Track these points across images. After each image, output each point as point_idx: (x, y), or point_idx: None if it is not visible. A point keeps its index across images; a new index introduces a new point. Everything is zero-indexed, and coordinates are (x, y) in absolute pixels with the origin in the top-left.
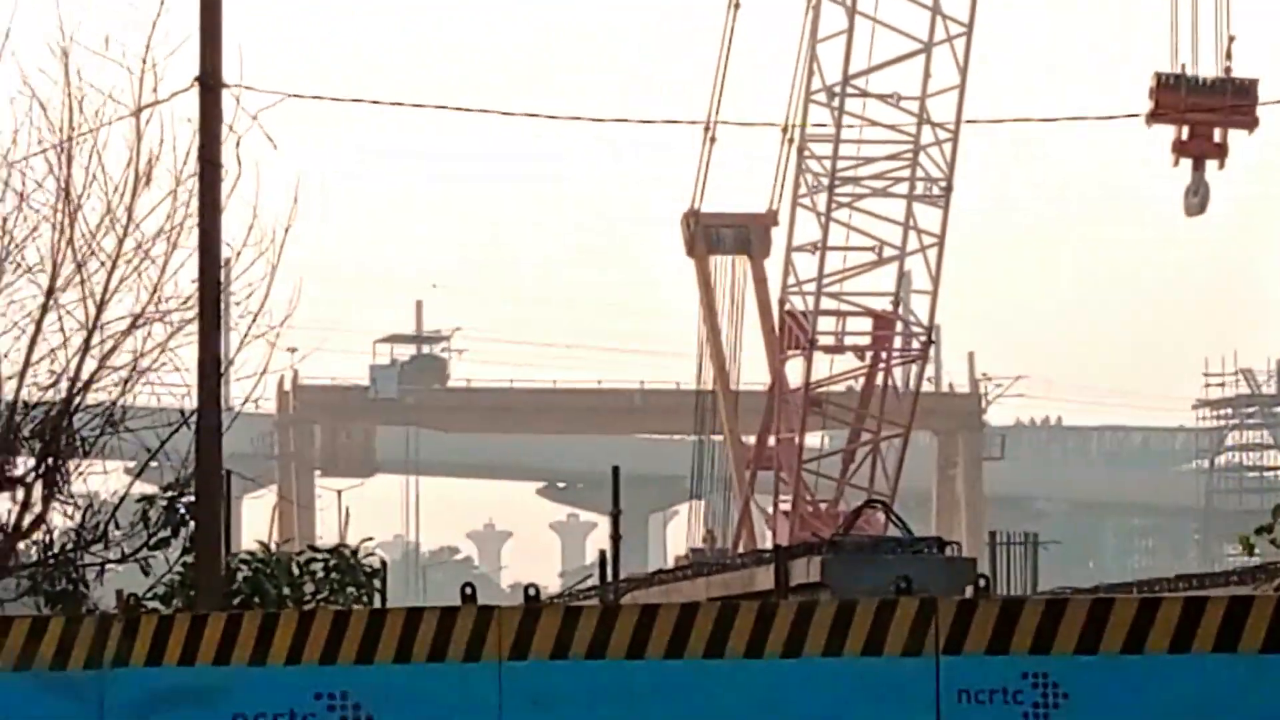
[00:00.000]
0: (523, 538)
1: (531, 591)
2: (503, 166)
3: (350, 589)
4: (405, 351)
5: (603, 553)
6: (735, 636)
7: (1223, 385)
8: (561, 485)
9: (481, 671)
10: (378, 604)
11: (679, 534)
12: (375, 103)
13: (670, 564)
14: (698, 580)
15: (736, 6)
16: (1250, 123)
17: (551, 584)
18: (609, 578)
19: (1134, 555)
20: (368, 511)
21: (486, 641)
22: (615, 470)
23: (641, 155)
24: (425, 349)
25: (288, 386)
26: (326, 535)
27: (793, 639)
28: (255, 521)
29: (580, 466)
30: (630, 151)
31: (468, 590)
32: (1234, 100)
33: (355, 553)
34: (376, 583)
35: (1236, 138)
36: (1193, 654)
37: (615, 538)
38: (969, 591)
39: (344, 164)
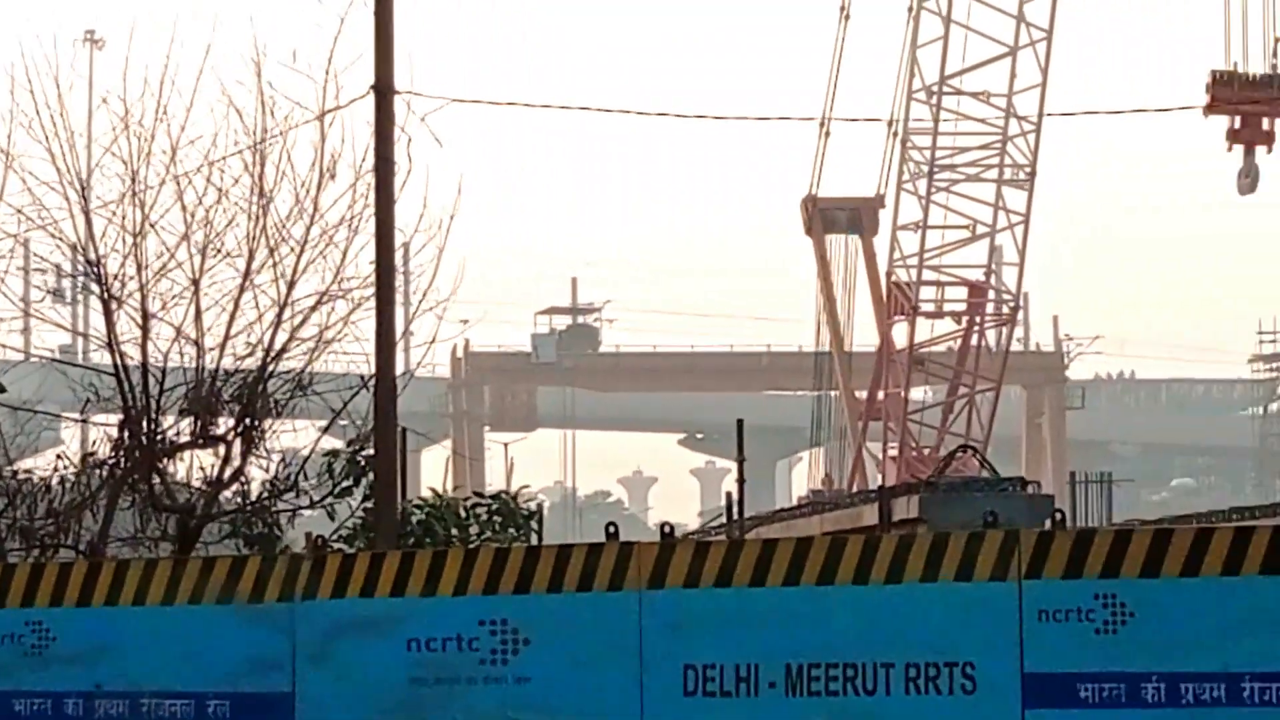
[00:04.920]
0: (667, 483)
1: (667, 529)
2: (643, 156)
3: (510, 530)
4: (562, 321)
5: (729, 495)
6: (844, 566)
7: (1275, 341)
8: (700, 436)
9: (623, 599)
10: (535, 542)
11: (801, 478)
12: (526, 105)
13: (794, 505)
14: (813, 517)
15: (847, 18)
16: None
17: (692, 523)
18: (736, 516)
19: (1200, 493)
20: (531, 462)
21: (628, 573)
22: (740, 423)
23: (765, 146)
24: (580, 319)
25: (460, 354)
26: (495, 483)
27: (894, 567)
28: (433, 472)
29: (716, 419)
30: (754, 143)
31: (611, 529)
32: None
33: (515, 498)
34: (534, 524)
35: None
36: (1242, 576)
37: (740, 481)
38: (1048, 524)
39: (509, 156)
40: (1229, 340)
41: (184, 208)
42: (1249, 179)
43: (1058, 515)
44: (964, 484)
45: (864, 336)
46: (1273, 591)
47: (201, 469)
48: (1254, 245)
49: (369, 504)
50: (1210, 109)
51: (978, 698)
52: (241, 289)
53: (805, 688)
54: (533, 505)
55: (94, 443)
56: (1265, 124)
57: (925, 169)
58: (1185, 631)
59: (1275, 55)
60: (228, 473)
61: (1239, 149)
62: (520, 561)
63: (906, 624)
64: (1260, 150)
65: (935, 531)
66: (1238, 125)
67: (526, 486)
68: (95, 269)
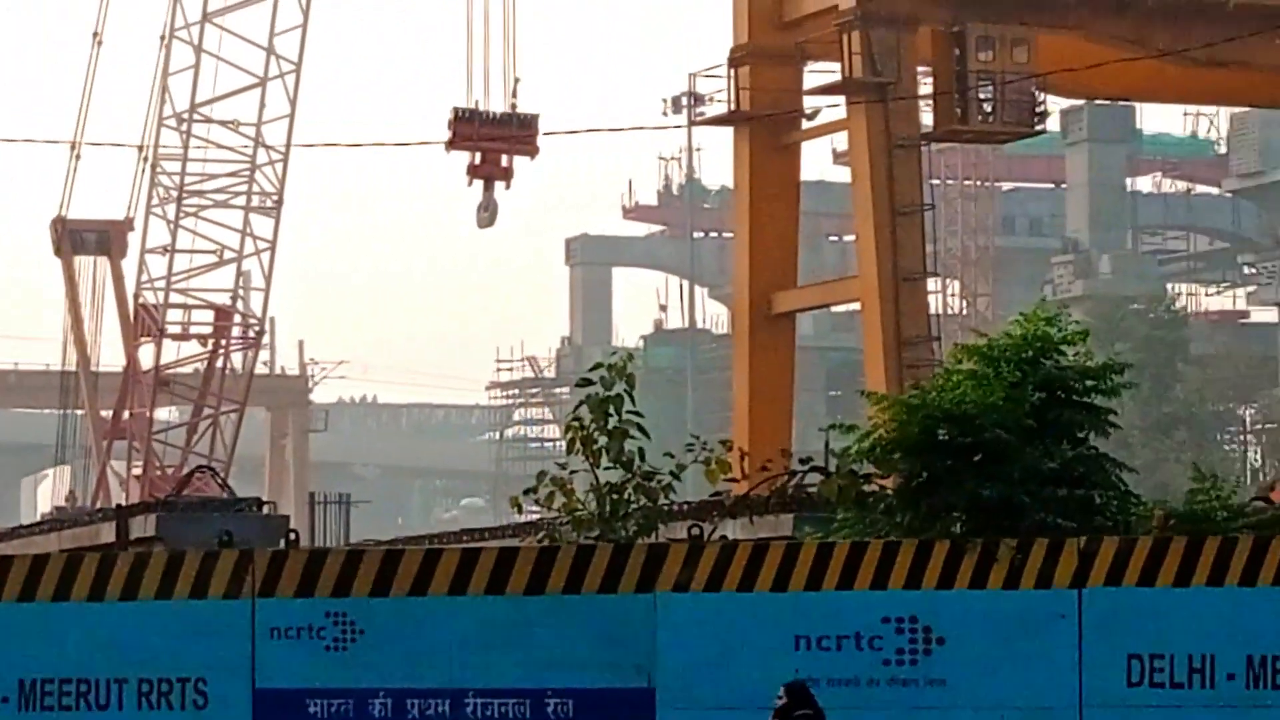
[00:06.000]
0: None
1: None
2: None
3: None
4: None
5: None
6: (79, 583)
7: (511, 370)
8: None
9: None
10: None
11: (47, 495)
12: None
13: (36, 521)
14: (52, 534)
15: (100, 43)
16: (532, 150)
17: None
18: None
19: (436, 512)
20: None
21: None
22: None
23: (17, 167)
24: None
25: None
26: None
27: (130, 584)
28: None
29: None
30: (5, 163)
31: None
32: (518, 131)
33: None
34: None
35: (521, 163)
36: (468, 595)
37: None
38: (282, 544)
39: None
40: (469, 367)
41: None
42: (488, 213)
43: (292, 535)
44: (201, 504)
45: (112, 356)
46: (500, 610)
47: None
48: (493, 277)
49: None
50: (452, 145)
51: (209, 713)
52: None
53: (39, 703)
54: None
55: None
56: (504, 160)
57: (175, 194)
58: (413, 649)
59: (515, 95)
60: None
61: (479, 184)
62: None
63: (140, 641)
64: (499, 186)
65: (171, 550)
66: (478, 161)
67: None
68: None
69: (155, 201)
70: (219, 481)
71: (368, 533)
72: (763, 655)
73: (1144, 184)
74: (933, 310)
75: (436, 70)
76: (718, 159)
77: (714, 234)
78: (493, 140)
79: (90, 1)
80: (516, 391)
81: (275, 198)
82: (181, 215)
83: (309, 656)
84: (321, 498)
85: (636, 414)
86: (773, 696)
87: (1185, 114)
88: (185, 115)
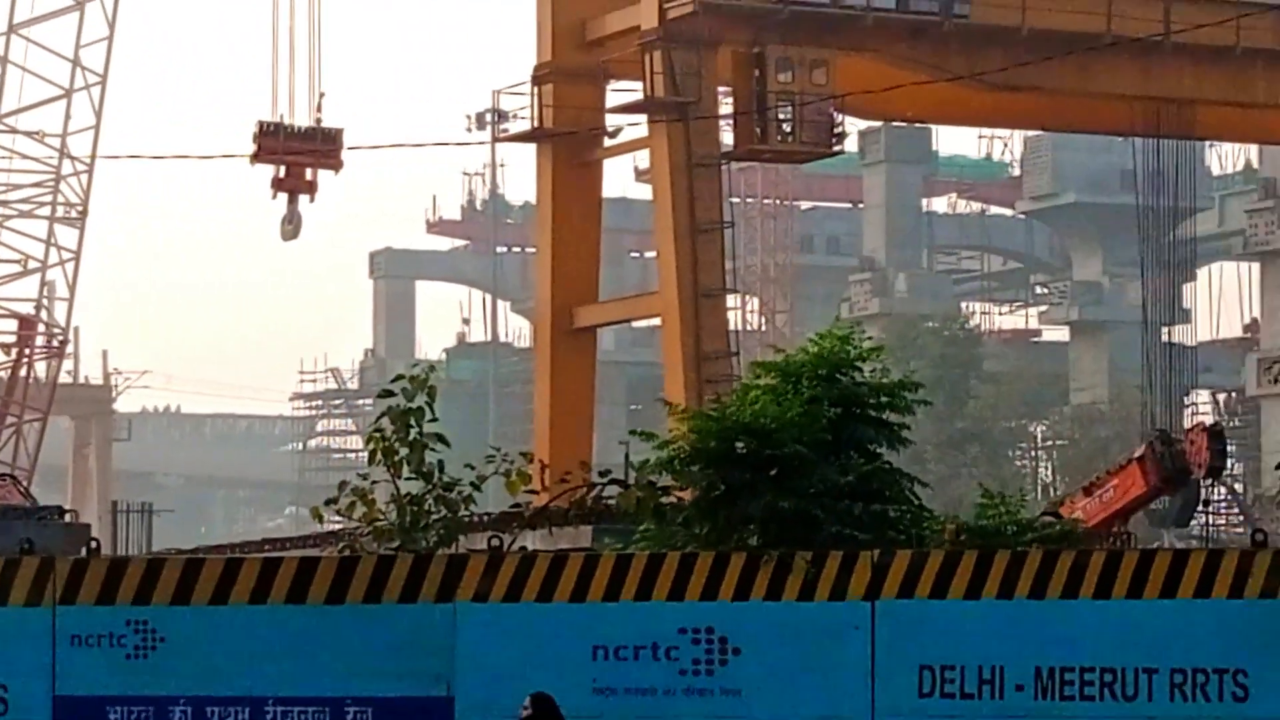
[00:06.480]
0: None
1: None
2: None
3: None
4: None
5: None
6: None
7: (315, 381)
8: None
9: None
10: None
11: None
12: None
13: None
14: None
15: None
16: (336, 164)
17: None
18: None
19: (239, 522)
20: None
21: None
22: None
23: None
24: None
25: None
26: None
27: None
28: None
29: None
30: None
31: None
32: (323, 145)
33: None
34: None
35: (325, 176)
36: (269, 604)
37: None
38: (83, 552)
39: None
40: (272, 379)
41: None
42: (292, 226)
43: (94, 543)
44: (3, 511)
45: None
46: (300, 619)
47: None
48: (297, 289)
49: None
50: (257, 158)
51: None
52: None
53: None
54: None
55: None
56: (309, 174)
57: None
58: (213, 657)
59: (319, 109)
60: None
61: (284, 197)
62: None
63: None
64: (304, 199)
65: None
66: (283, 174)
67: None
68: None
69: None
70: (21, 489)
71: (170, 541)
72: (561, 665)
73: (940, 205)
74: (732, 326)
75: (244, 82)
76: (521, 175)
77: (517, 249)
78: (297, 154)
79: None
80: (320, 403)
81: (80, 208)
82: None
83: (109, 664)
84: (124, 507)
85: (435, 420)
86: (568, 704)
87: (980, 136)
88: None
